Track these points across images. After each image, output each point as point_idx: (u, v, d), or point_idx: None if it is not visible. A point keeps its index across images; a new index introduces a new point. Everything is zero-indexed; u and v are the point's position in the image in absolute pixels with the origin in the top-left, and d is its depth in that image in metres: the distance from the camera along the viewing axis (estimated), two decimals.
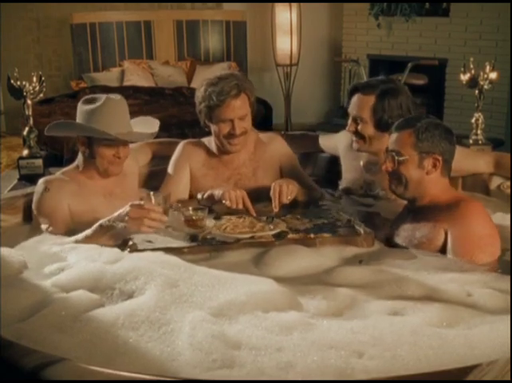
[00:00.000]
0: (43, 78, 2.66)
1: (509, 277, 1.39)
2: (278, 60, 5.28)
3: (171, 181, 2.02)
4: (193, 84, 5.11)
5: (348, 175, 2.11)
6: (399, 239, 1.64)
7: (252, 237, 1.61)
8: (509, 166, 2.02)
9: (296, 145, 2.22)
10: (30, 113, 2.65)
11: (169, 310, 1.20)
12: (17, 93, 2.64)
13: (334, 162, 2.26)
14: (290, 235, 1.63)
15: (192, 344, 1.08)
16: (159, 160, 2.19)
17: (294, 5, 5.15)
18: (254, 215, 1.77)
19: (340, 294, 1.31)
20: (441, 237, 1.54)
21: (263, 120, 4.60)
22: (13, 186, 2.53)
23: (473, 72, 2.74)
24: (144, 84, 4.95)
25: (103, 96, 1.78)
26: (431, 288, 1.35)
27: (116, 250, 1.52)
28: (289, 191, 1.80)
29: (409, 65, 3.52)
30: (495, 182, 2.07)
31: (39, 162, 2.63)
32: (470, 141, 2.74)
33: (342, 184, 2.12)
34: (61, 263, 1.47)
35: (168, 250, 1.52)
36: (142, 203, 1.55)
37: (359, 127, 1.95)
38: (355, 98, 1.96)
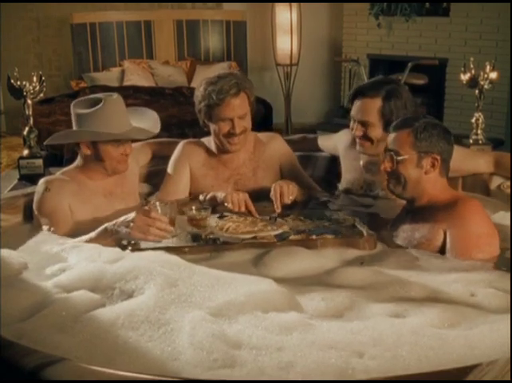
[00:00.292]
0: (43, 78, 2.66)
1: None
2: (278, 59, 5.28)
3: (170, 181, 2.02)
4: (193, 84, 5.10)
5: (348, 175, 2.11)
6: (398, 240, 1.64)
7: (254, 237, 1.61)
8: (509, 166, 2.02)
9: (295, 149, 2.23)
10: (30, 113, 2.65)
11: (169, 310, 1.20)
12: (18, 93, 2.64)
13: (334, 162, 2.26)
14: (292, 236, 1.62)
15: (193, 343, 1.08)
16: (159, 160, 2.19)
17: (294, 4, 5.16)
18: (257, 216, 1.77)
19: (341, 294, 1.31)
20: (440, 237, 1.54)
21: (263, 119, 4.60)
22: (13, 186, 2.53)
23: (473, 72, 2.74)
24: (144, 84, 4.95)
25: (100, 98, 1.77)
26: (434, 289, 1.35)
27: (116, 249, 1.52)
28: (289, 191, 1.80)
29: (409, 64, 3.52)
30: (495, 182, 2.07)
31: (39, 162, 2.63)
32: (471, 141, 2.74)
33: (342, 184, 2.12)
34: (61, 263, 1.47)
35: (169, 249, 1.52)
36: (148, 210, 1.54)
37: (367, 131, 1.94)
38: (360, 102, 1.94)
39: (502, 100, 4.41)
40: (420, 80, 3.78)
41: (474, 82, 2.73)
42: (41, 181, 1.80)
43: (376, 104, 1.91)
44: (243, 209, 1.79)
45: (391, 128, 1.65)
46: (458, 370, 0.97)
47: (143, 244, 1.57)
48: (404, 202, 1.70)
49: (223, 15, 5.57)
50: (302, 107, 5.57)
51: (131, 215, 1.54)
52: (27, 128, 2.67)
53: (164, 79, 5.18)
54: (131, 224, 1.51)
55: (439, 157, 1.58)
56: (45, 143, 1.88)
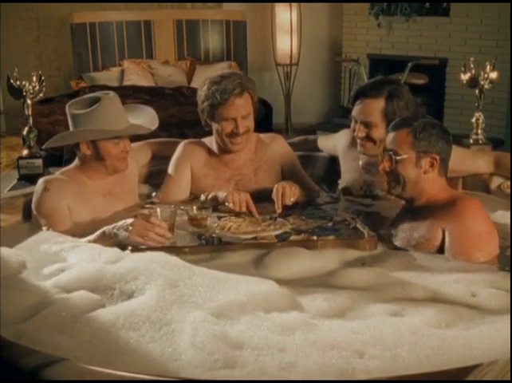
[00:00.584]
0: (43, 78, 2.65)
1: None
2: (278, 59, 5.28)
3: (171, 181, 2.02)
4: (193, 84, 5.11)
5: (348, 175, 2.11)
6: (397, 240, 1.64)
7: (255, 237, 1.60)
8: (509, 166, 2.02)
9: (296, 150, 2.23)
10: (30, 113, 2.65)
11: (170, 311, 1.20)
12: (17, 93, 2.63)
13: (334, 162, 2.26)
14: (293, 237, 1.62)
15: (194, 344, 1.08)
16: (160, 160, 2.18)
17: (294, 4, 5.16)
18: (257, 216, 1.77)
19: (342, 295, 1.31)
20: (439, 236, 1.54)
21: (263, 119, 4.60)
22: (12, 186, 2.53)
23: (473, 71, 2.73)
24: (144, 84, 4.95)
25: (97, 97, 1.77)
26: (434, 289, 1.35)
27: (116, 250, 1.52)
28: (291, 192, 1.80)
29: (409, 64, 3.52)
30: (496, 182, 2.07)
31: (39, 162, 2.62)
32: (471, 141, 2.74)
33: (341, 185, 2.12)
34: (61, 263, 1.47)
35: (169, 249, 1.51)
36: (148, 215, 1.54)
37: (370, 131, 1.93)
38: (362, 103, 1.93)
39: (502, 100, 4.41)
40: (420, 80, 3.78)
41: (474, 82, 2.73)
42: (40, 181, 1.80)
43: (378, 104, 1.90)
44: (244, 209, 1.78)
45: (389, 127, 1.65)
46: (458, 370, 0.97)
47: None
48: (403, 202, 1.70)
49: (223, 15, 5.57)
50: (302, 107, 5.57)
51: (131, 219, 1.54)
52: (27, 128, 2.67)
53: (164, 79, 5.17)
54: (130, 228, 1.51)
55: (437, 157, 1.58)
56: (43, 146, 1.88)
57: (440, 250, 1.55)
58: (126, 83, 4.96)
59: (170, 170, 2.04)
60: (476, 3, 4.50)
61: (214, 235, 1.63)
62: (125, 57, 5.31)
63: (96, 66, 5.26)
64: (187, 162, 2.03)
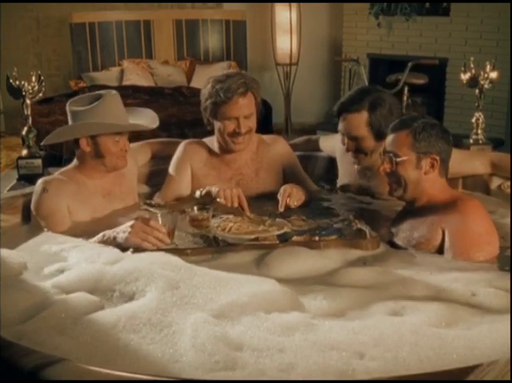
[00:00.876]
0: (42, 78, 2.65)
1: None
2: (278, 59, 5.28)
3: (172, 181, 2.02)
4: (193, 84, 5.11)
5: (344, 178, 2.11)
6: (397, 240, 1.63)
7: (256, 238, 1.59)
8: (506, 166, 2.02)
9: (299, 150, 2.22)
10: (29, 113, 2.64)
11: (170, 312, 1.19)
12: (16, 93, 2.63)
13: (334, 162, 2.25)
14: (295, 238, 1.61)
15: (194, 345, 1.07)
16: (159, 160, 2.18)
17: (294, 4, 5.15)
18: (248, 214, 1.76)
19: (342, 294, 1.31)
20: (439, 236, 1.54)
21: (263, 119, 4.57)
22: (12, 186, 2.52)
23: (473, 71, 2.73)
24: (144, 84, 4.94)
25: (99, 94, 1.77)
26: (435, 289, 1.35)
27: (116, 250, 1.52)
28: (297, 196, 1.80)
29: (409, 64, 3.51)
30: (496, 182, 2.07)
31: (38, 162, 2.62)
32: (471, 141, 2.74)
33: (339, 187, 2.12)
34: (60, 264, 1.46)
35: (171, 251, 1.50)
36: (148, 218, 1.54)
37: (359, 145, 1.93)
38: (346, 119, 1.92)
39: (502, 100, 4.40)
40: (420, 80, 3.77)
41: (474, 82, 2.72)
42: (39, 181, 1.80)
43: (362, 118, 1.90)
44: (236, 205, 1.77)
45: (389, 129, 1.64)
46: (459, 370, 0.97)
47: None
48: (403, 202, 1.69)
49: (223, 15, 5.57)
50: (302, 107, 5.57)
51: (131, 222, 1.54)
52: (26, 128, 2.67)
53: (164, 79, 5.17)
54: (130, 230, 1.51)
55: (438, 157, 1.57)
56: (42, 143, 1.87)
57: (440, 250, 1.55)
58: (125, 83, 4.96)
59: (170, 170, 2.04)
60: (476, 3, 4.50)
61: (215, 237, 1.62)
62: (125, 57, 5.31)
63: (96, 66, 5.25)
64: (187, 162, 2.03)
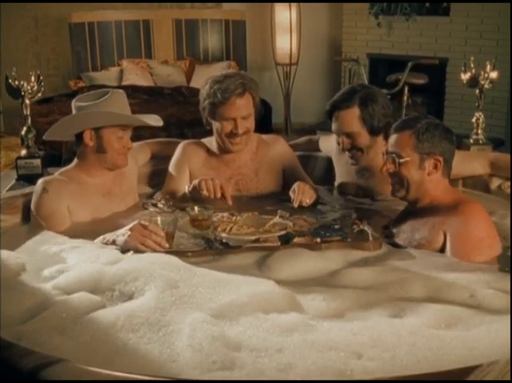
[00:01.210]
0: (41, 78, 2.65)
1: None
2: (278, 59, 5.28)
3: (170, 183, 2.02)
4: (192, 84, 5.10)
5: (342, 179, 2.11)
6: (398, 241, 1.63)
7: (257, 239, 1.58)
8: (505, 166, 2.02)
9: (300, 150, 2.22)
10: (28, 113, 2.64)
11: (169, 312, 1.19)
12: (16, 93, 2.63)
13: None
14: (296, 239, 1.60)
15: (192, 345, 1.07)
16: (159, 160, 2.18)
17: (294, 4, 5.15)
18: (230, 203, 1.76)
19: (342, 296, 1.31)
20: (440, 238, 1.54)
21: (262, 119, 4.58)
22: (11, 186, 2.52)
23: (473, 71, 2.73)
24: (143, 84, 4.94)
25: (106, 91, 1.79)
26: (433, 289, 1.35)
27: (115, 251, 1.52)
28: (310, 193, 1.80)
29: (409, 64, 3.51)
30: (496, 182, 2.07)
31: (37, 162, 2.62)
32: (471, 141, 2.74)
33: (336, 188, 2.11)
34: (60, 265, 1.46)
35: (171, 253, 1.49)
36: (147, 223, 1.54)
37: (354, 141, 1.93)
38: (338, 116, 1.94)
39: (502, 100, 4.40)
40: (420, 80, 3.77)
41: (474, 82, 2.72)
42: (39, 181, 1.79)
43: (354, 113, 1.91)
44: (219, 195, 1.77)
45: (392, 129, 1.64)
46: (459, 371, 0.97)
47: None
48: (403, 202, 1.69)
49: (222, 14, 5.57)
50: (302, 106, 5.56)
51: (131, 224, 1.54)
52: (25, 128, 2.67)
53: (163, 79, 5.17)
54: (129, 233, 1.51)
55: (441, 158, 1.56)
56: (45, 136, 1.86)
57: (441, 252, 1.54)
58: (125, 83, 4.95)
59: (169, 172, 2.04)
60: (476, 3, 4.49)
61: (215, 238, 1.60)
62: (124, 57, 5.30)
63: (95, 66, 5.25)
64: (185, 164, 2.02)
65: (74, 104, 1.80)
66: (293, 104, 5.36)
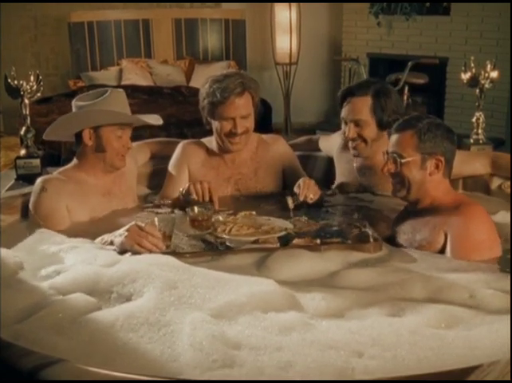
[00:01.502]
0: (40, 77, 2.64)
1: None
2: (278, 59, 5.28)
3: (170, 183, 2.02)
4: (192, 84, 5.10)
5: (342, 178, 2.10)
6: (398, 241, 1.62)
7: (257, 240, 1.57)
8: (505, 166, 2.01)
9: (300, 150, 2.22)
10: (28, 113, 2.64)
11: (168, 312, 1.19)
12: (15, 93, 2.63)
13: (333, 162, 2.25)
14: (296, 240, 1.59)
15: (192, 344, 1.07)
16: (159, 160, 2.18)
17: (294, 3, 5.15)
18: (217, 207, 1.76)
19: (341, 295, 1.30)
20: (441, 239, 1.53)
21: (262, 119, 4.58)
22: (10, 186, 2.52)
23: (474, 71, 2.73)
24: (143, 84, 4.94)
25: (105, 90, 1.79)
26: (434, 289, 1.34)
27: (113, 252, 1.51)
28: (315, 189, 1.79)
29: (409, 63, 3.51)
30: (496, 182, 2.06)
31: (36, 162, 2.62)
32: (471, 141, 2.73)
33: (336, 188, 2.11)
34: (58, 265, 1.46)
35: (170, 255, 1.48)
36: (143, 225, 1.53)
37: (361, 130, 1.93)
38: (350, 102, 1.94)
39: (502, 100, 4.40)
40: (420, 80, 3.77)
41: (474, 81, 2.72)
42: (38, 181, 1.79)
43: (366, 101, 1.92)
44: (207, 198, 1.77)
45: (393, 129, 1.63)
46: (459, 370, 0.97)
47: None
48: (404, 202, 1.68)
49: (222, 14, 5.56)
50: (302, 106, 5.56)
51: (128, 225, 1.54)
52: (24, 128, 2.66)
53: (163, 78, 5.16)
54: (126, 233, 1.51)
55: (443, 158, 1.56)
56: (45, 135, 1.86)
57: (442, 253, 1.53)
58: (124, 82, 4.95)
59: (168, 172, 2.04)
60: (476, 2, 4.49)
61: (215, 239, 1.59)
62: (123, 57, 5.30)
63: (95, 65, 5.25)
64: (184, 164, 2.02)
65: (74, 103, 1.80)
66: (293, 104, 5.35)
